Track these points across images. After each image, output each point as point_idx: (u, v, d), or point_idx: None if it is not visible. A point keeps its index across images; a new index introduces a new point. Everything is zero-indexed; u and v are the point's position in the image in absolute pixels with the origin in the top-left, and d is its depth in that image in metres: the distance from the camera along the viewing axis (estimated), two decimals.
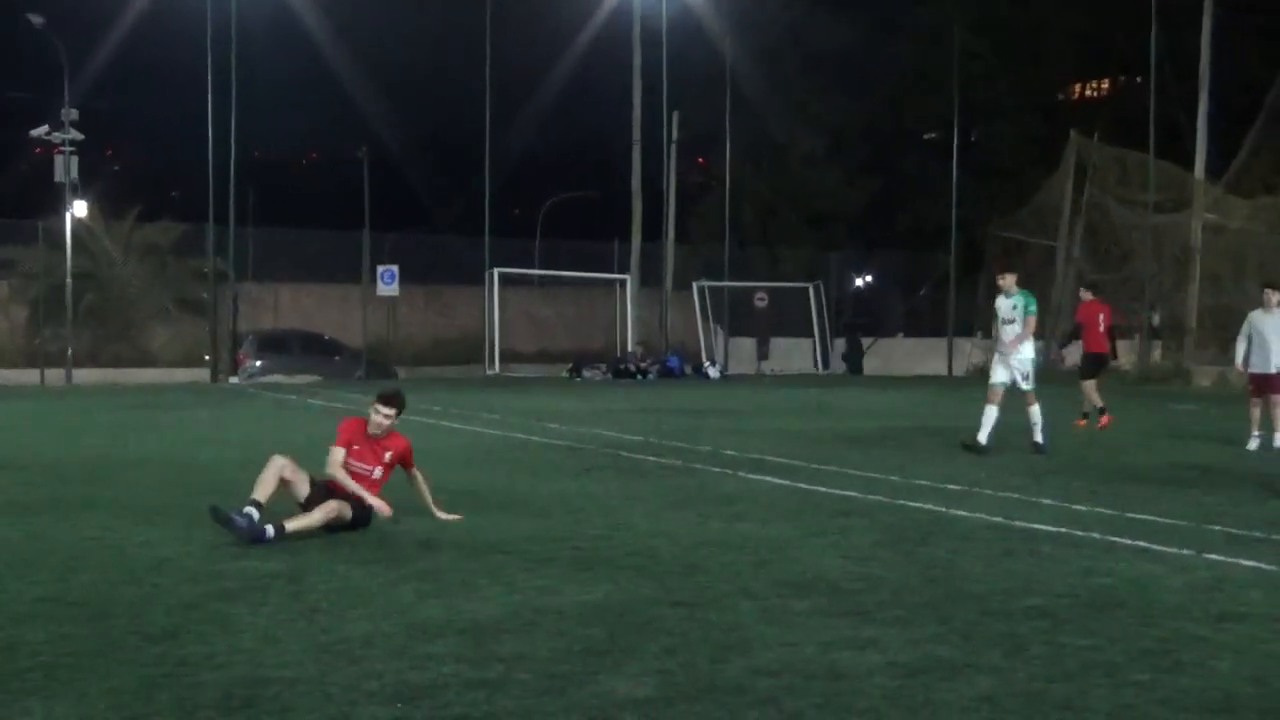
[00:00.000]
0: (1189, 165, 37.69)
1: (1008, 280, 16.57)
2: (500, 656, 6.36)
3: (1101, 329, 22.25)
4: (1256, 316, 17.78)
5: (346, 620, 7.09)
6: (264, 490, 9.72)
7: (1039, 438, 16.42)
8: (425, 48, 60.75)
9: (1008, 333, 16.42)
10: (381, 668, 6.16)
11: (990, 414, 16.18)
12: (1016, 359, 16.28)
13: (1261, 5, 45.56)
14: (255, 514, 9.45)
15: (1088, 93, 68.07)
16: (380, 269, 39.23)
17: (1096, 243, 40.06)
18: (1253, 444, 17.31)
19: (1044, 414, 16.48)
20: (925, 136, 57.53)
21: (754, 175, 52.01)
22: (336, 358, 38.53)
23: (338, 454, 10.20)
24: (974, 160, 49.53)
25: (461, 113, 47.39)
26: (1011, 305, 16.38)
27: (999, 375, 16.45)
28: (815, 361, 46.21)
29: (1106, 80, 66.82)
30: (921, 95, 52.67)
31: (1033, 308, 16.24)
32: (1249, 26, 43.18)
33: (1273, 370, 17.28)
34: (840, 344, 46.76)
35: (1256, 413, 17.55)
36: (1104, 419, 20.67)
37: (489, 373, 39.46)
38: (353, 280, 40.79)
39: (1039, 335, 18.06)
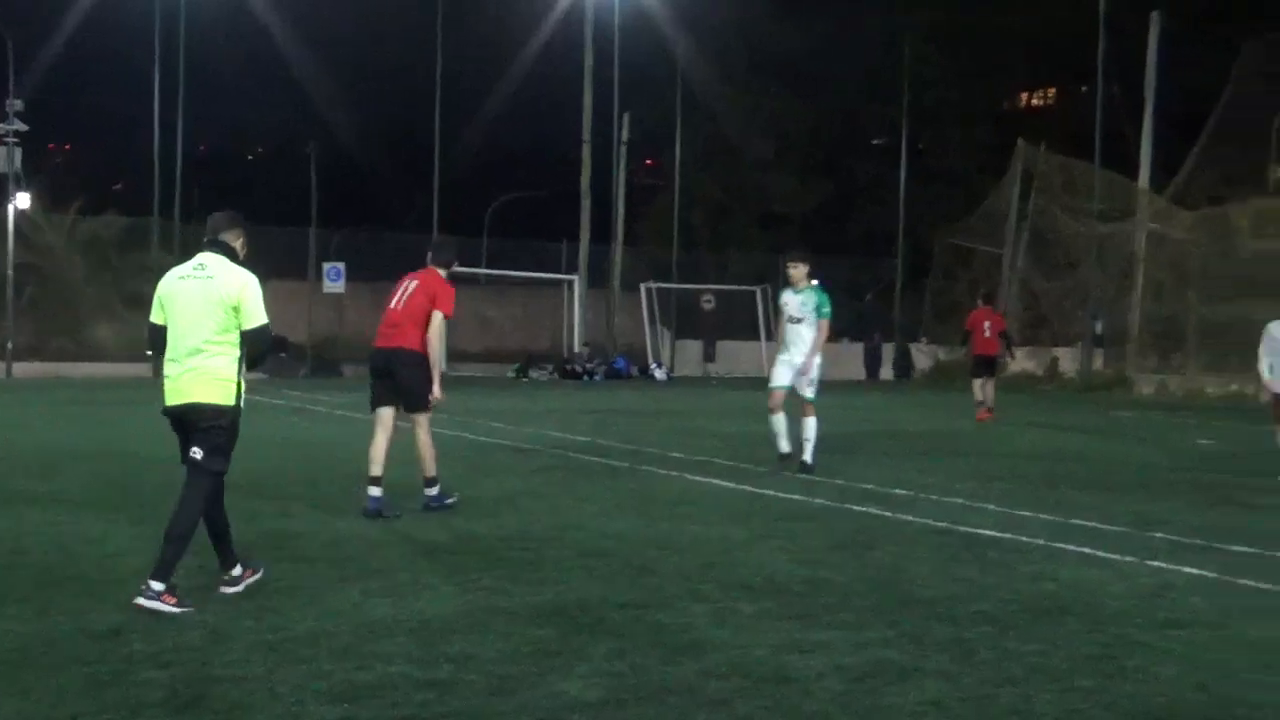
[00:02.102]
0: (1134, 175, 38.05)
1: (799, 271, 14.34)
2: (449, 657, 6.34)
3: (988, 334, 24.69)
4: (1276, 327, 15.17)
5: (293, 619, 7.05)
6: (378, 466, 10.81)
7: (809, 456, 14.15)
8: (378, 44, 60.39)
9: (795, 333, 14.29)
10: (329, 667, 6.12)
11: (778, 423, 14.39)
12: (802, 362, 14.16)
13: (1207, 18, 46.12)
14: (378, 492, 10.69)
15: (1035, 101, 68.65)
16: (327, 265, 39.00)
17: (1042, 250, 40.38)
18: None
19: (818, 429, 14.31)
20: (874, 142, 57.80)
21: (704, 178, 52.08)
22: (282, 354, 38.21)
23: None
24: (923, 166, 49.83)
25: (413, 110, 47.22)
26: (801, 302, 14.26)
27: (781, 378, 14.34)
28: (763, 364, 46.31)
29: (1053, 89, 67.41)
30: (872, 101, 52.92)
31: (828, 309, 14.26)
32: (1195, 39, 43.65)
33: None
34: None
35: None
36: (983, 414, 23.28)
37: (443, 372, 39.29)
38: (299, 277, 40.54)
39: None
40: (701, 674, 6.13)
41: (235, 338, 7.47)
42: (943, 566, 8.94)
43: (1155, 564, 9.21)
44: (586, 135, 43.40)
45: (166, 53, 37.93)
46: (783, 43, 52.67)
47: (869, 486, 13.25)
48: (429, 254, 11.56)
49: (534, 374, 39.54)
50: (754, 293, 46.65)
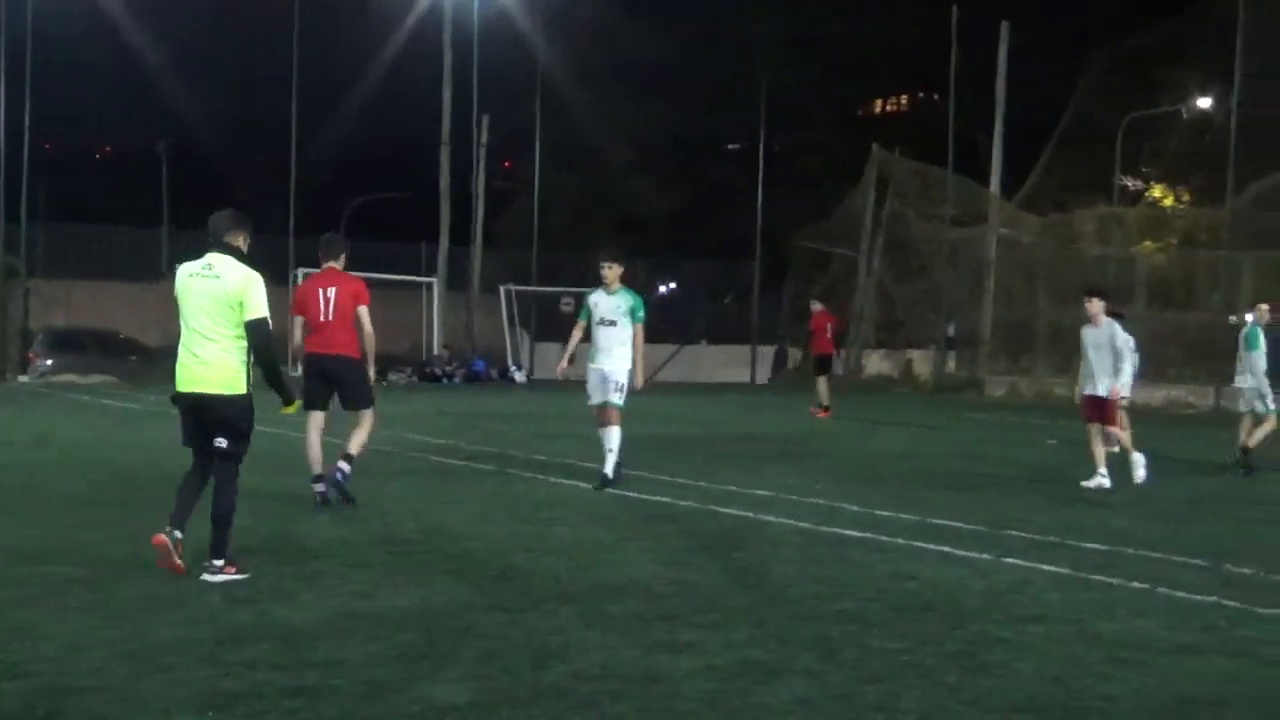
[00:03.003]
0: (985, 181, 38.85)
1: (614, 272, 13.45)
2: (315, 663, 6.27)
3: (829, 335, 26.61)
4: (1084, 332, 14.97)
5: (153, 626, 6.92)
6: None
7: (609, 468, 13.26)
8: (232, 42, 59.34)
9: (607, 337, 13.34)
10: (193, 675, 6.02)
11: (611, 437, 13.31)
12: (614, 369, 13.30)
13: (1055, 31, 47.33)
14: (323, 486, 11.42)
15: (889, 108, 69.84)
16: (180, 267, 38.20)
17: (897, 254, 41.03)
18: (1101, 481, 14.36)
19: (623, 439, 13.45)
20: (730, 146, 58.28)
21: (564, 180, 52.05)
22: (132, 358, 37.34)
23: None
24: (780, 171, 50.30)
25: (269, 110, 46.47)
26: (615, 305, 13.37)
27: (598, 395, 13.39)
28: (635, 376, 46.34)
29: (906, 96, 68.66)
30: (730, 106, 53.35)
31: (642, 312, 13.46)
32: (1043, 50, 44.76)
33: (1101, 392, 14.72)
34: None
35: (1098, 449, 14.61)
36: (824, 412, 24.85)
37: (292, 375, 38.74)
38: (152, 279, 39.67)
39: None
40: (571, 676, 6.14)
41: (242, 331, 8.16)
42: (806, 566, 9.05)
43: (1011, 561, 9.42)
44: (445, 137, 43.08)
45: (10, 48, 36.86)
46: (642, 47, 52.90)
47: (731, 488, 13.35)
48: (321, 255, 11.82)
49: (393, 377, 39.14)
50: None
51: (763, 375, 43.59)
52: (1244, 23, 32.25)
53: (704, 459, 16.55)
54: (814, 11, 54.16)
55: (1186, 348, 34.08)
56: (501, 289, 43.92)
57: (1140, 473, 14.79)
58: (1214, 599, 8.27)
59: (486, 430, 20.42)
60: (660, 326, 49.92)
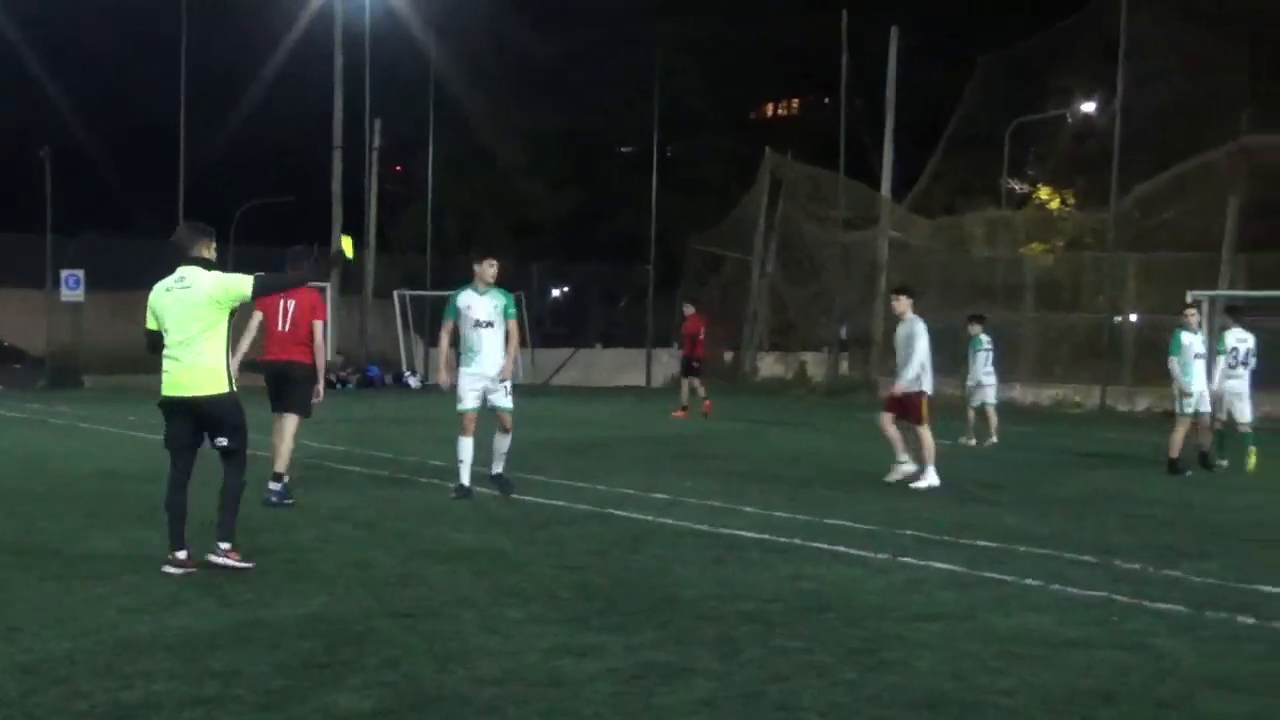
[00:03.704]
0: (877, 184, 39.28)
1: (493, 270, 12.95)
2: (215, 672, 6.20)
3: (702, 337, 27.43)
4: (897, 330, 15.42)
5: (48, 639, 6.80)
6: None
7: (499, 467, 13.07)
8: (117, 41, 58.30)
9: (481, 339, 12.84)
10: (90, 687, 5.93)
11: (466, 448, 12.87)
12: (496, 372, 12.80)
13: (943, 36, 48.00)
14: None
15: (781, 112, 70.38)
16: (65, 273, 37.50)
17: (790, 257, 41.35)
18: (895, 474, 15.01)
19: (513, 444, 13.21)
20: (623, 150, 58.41)
21: (457, 184, 51.85)
22: (16, 365, 36.71)
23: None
24: (674, 174, 50.53)
25: (157, 111, 45.72)
26: (491, 305, 12.86)
27: (474, 400, 12.84)
28: (518, 370, 46.34)
29: (798, 100, 69.25)
30: (624, 109, 53.46)
31: (513, 309, 13.04)
32: (932, 55, 45.38)
33: (897, 391, 15.11)
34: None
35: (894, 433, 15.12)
36: (682, 412, 25.79)
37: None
38: (35, 285, 38.92)
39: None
40: (474, 681, 6.14)
41: (222, 332, 8.76)
42: (706, 568, 9.11)
43: (907, 560, 9.56)
44: (337, 140, 42.76)
45: None
46: (535, 50, 52.86)
47: (629, 491, 13.39)
48: (287, 265, 11.66)
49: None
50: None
51: (659, 378, 43.71)
52: (1126, 29, 32.92)
53: (602, 462, 16.57)
54: (706, 15, 54.50)
55: (1074, 348, 34.76)
56: (395, 294, 43.67)
57: (906, 469, 14.83)
58: (1104, 594, 8.45)
59: (382, 436, 20.29)
60: (556, 330, 50.13)
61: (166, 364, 8.78)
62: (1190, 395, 16.66)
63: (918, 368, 14.75)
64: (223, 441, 8.85)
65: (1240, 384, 17.52)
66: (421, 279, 45.05)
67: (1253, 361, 17.63)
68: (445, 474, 14.69)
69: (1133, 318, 34.30)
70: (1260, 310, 28.90)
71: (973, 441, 20.54)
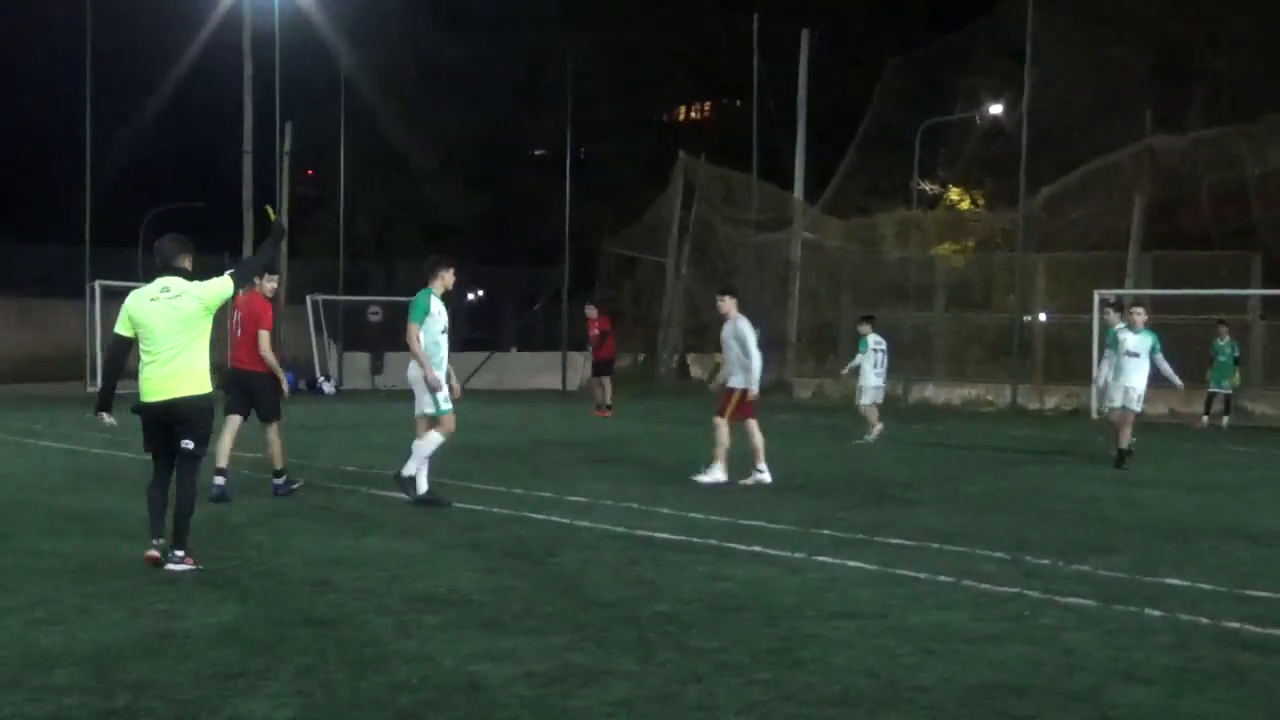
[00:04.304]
0: (789, 186, 39.49)
1: (451, 279, 13.09)
2: (127, 684, 6.13)
3: (611, 334, 28.94)
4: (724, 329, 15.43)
5: None
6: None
7: (411, 469, 12.64)
8: (19, 45, 57.28)
9: (442, 346, 13.01)
10: None
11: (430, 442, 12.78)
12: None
13: (854, 38, 48.41)
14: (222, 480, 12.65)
15: (694, 115, 70.57)
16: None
17: (704, 259, 41.48)
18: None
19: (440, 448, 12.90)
20: (536, 153, 58.30)
21: (368, 188, 51.49)
22: None
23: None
24: (587, 178, 50.49)
25: (61, 116, 45.04)
26: (446, 311, 13.08)
27: (429, 403, 12.85)
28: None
29: (710, 103, 69.47)
30: (536, 112, 53.38)
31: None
32: (843, 57, 45.75)
33: (733, 384, 15.00)
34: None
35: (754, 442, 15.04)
36: (607, 412, 27.10)
37: (90, 390, 37.66)
38: None
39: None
40: (390, 687, 6.11)
41: (205, 338, 9.05)
42: (623, 570, 9.12)
43: (822, 559, 9.63)
44: (247, 145, 42.27)
45: None
46: (446, 53, 52.60)
47: (546, 495, 13.39)
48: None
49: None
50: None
51: (574, 381, 43.68)
52: (1032, 31, 33.36)
53: (518, 466, 16.54)
54: (616, 18, 54.51)
55: (985, 347, 35.18)
56: (308, 299, 43.27)
57: (716, 476, 14.58)
58: (1016, 589, 8.56)
59: (296, 442, 20.00)
60: (471, 334, 49.87)
61: (149, 370, 8.94)
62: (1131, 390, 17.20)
63: (758, 367, 14.83)
64: (188, 444, 8.99)
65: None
66: (334, 283, 44.70)
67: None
68: (359, 479, 14.62)
69: (1042, 317, 34.77)
70: (1164, 307, 29.51)
71: (871, 438, 20.89)
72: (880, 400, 21.67)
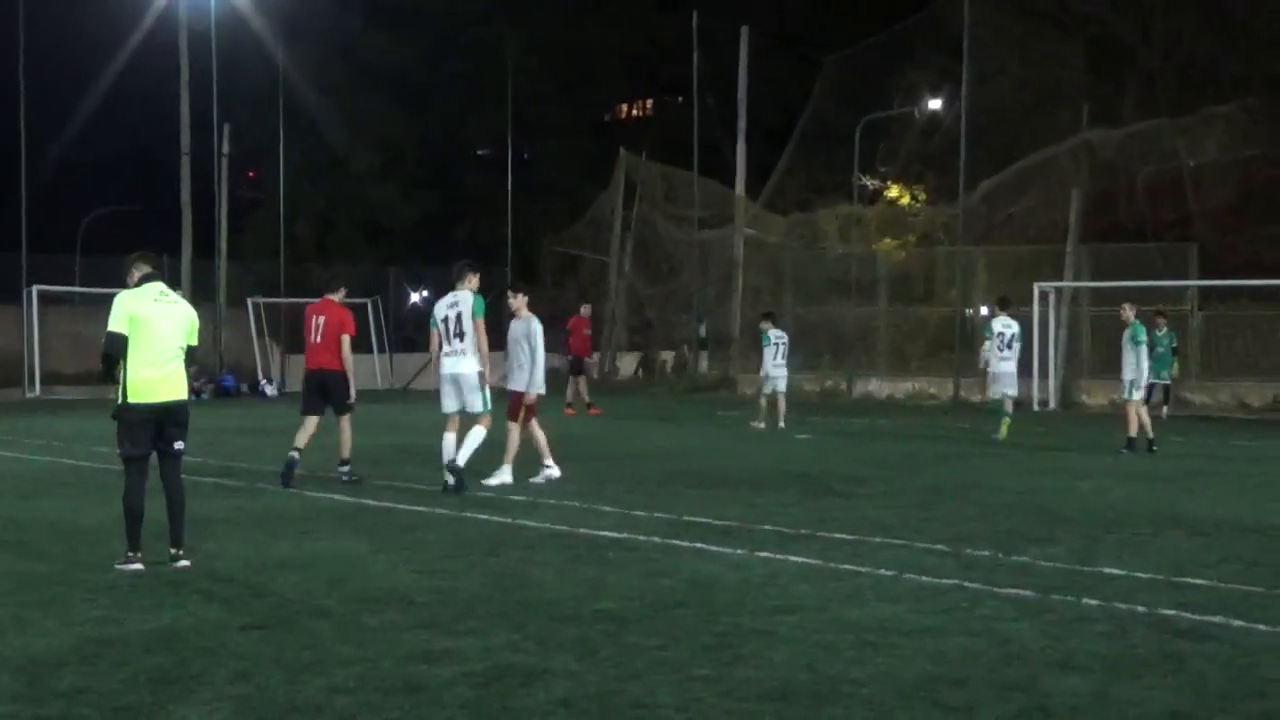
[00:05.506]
0: (731, 183, 39.59)
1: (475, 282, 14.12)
2: (60, 692, 6.06)
3: (587, 333, 29.19)
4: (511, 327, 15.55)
5: None
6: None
7: (455, 455, 13.68)
8: None
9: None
10: None
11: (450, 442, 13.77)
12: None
13: (793, 37, 48.61)
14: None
15: (635, 113, 70.63)
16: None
17: (647, 257, 41.53)
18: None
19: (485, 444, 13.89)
20: (479, 153, 58.19)
21: (309, 189, 51.23)
22: None
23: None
24: (529, 177, 50.45)
25: None
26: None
27: (452, 402, 13.92)
28: (376, 376, 45.88)
29: (651, 101, 69.56)
30: (477, 112, 53.28)
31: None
32: (782, 55, 45.91)
33: (516, 387, 15.05)
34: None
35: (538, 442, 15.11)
36: (593, 410, 27.18)
37: (29, 395, 37.24)
38: None
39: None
40: (329, 690, 6.07)
41: (185, 346, 9.35)
42: (565, 568, 9.11)
43: (763, 555, 9.65)
44: (185, 147, 41.90)
45: None
46: (386, 54, 52.40)
47: (488, 495, 13.35)
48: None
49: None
50: (365, 305, 46.16)
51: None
52: (969, 27, 33.59)
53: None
54: (558, 18, 54.51)
55: (927, 341, 35.40)
56: (249, 301, 42.98)
57: (504, 478, 14.39)
58: (955, 582, 8.62)
59: (237, 445, 19.96)
60: (414, 335, 49.66)
61: (147, 372, 9.12)
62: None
63: (543, 369, 14.81)
64: (180, 445, 9.36)
65: (1009, 365, 20.33)
66: (275, 286, 44.39)
67: (1018, 346, 20.39)
68: (300, 482, 14.49)
69: (983, 310, 35.02)
70: (1102, 299, 29.78)
71: (762, 425, 22.45)
72: (783, 389, 22.83)
